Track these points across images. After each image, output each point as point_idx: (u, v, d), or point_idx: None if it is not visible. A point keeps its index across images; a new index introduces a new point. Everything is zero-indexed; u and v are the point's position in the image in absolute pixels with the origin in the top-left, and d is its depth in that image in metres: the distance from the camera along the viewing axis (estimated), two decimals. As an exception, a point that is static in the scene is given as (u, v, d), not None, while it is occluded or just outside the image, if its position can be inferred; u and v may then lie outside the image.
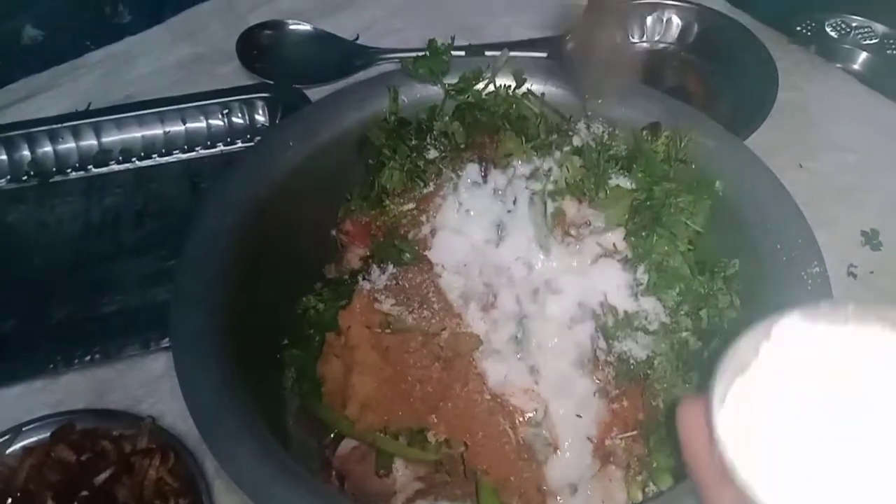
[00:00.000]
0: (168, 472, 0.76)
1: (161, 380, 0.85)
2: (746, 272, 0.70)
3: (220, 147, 1.11)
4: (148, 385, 0.85)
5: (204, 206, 0.73)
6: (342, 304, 0.75)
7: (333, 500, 0.60)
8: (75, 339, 0.88)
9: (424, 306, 0.71)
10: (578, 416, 0.68)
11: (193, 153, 1.10)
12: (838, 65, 1.23)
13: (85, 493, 0.72)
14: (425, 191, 0.76)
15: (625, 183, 0.73)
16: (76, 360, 0.85)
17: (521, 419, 0.67)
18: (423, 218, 0.75)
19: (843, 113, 1.14)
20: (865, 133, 1.11)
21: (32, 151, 1.06)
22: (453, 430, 0.68)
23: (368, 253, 0.79)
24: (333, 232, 0.82)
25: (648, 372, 0.67)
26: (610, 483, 0.68)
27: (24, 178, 1.05)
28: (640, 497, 0.65)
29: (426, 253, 0.74)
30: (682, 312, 0.68)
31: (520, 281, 0.71)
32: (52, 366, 0.85)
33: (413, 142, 0.78)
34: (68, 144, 1.07)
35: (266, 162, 0.77)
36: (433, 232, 0.74)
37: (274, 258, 0.75)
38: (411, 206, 0.75)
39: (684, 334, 0.67)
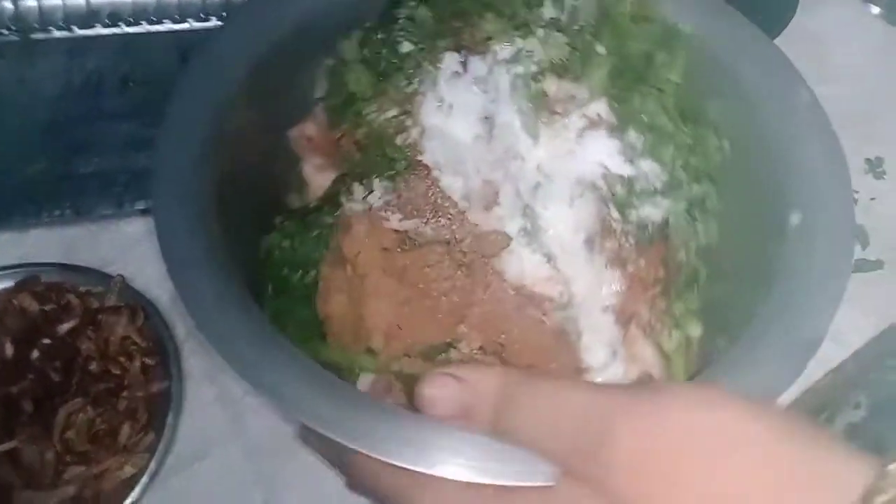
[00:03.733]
0: (136, 331, 0.73)
1: (134, 244, 0.82)
2: (732, 113, 0.67)
3: (214, 21, 1.05)
4: (120, 248, 0.82)
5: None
6: (315, 235, 0.65)
7: (315, 367, 0.54)
8: (47, 194, 0.84)
9: (439, 214, 0.65)
10: (597, 289, 0.64)
11: (185, 24, 1.05)
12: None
13: (47, 341, 0.70)
14: (408, 90, 0.67)
15: (600, 49, 0.68)
16: (45, 214, 0.82)
17: (549, 304, 0.64)
18: (409, 121, 0.66)
19: (857, 43, 1.11)
20: (879, 64, 1.09)
21: (15, 4, 1.00)
22: (486, 333, 0.63)
23: (341, 172, 0.68)
24: (289, 132, 0.69)
25: (667, 232, 0.64)
26: (635, 344, 0.66)
27: (4, 31, 1.00)
28: (669, 346, 0.64)
29: (420, 158, 0.66)
30: (679, 166, 0.65)
31: (516, 172, 0.67)
32: (19, 217, 0.82)
33: (379, 35, 0.69)
34: (54, 1, 1.01)
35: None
36: (422, 134, 0.66)
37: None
38: (394, 111, 0.67)
39: (695, 188, 0.65)
